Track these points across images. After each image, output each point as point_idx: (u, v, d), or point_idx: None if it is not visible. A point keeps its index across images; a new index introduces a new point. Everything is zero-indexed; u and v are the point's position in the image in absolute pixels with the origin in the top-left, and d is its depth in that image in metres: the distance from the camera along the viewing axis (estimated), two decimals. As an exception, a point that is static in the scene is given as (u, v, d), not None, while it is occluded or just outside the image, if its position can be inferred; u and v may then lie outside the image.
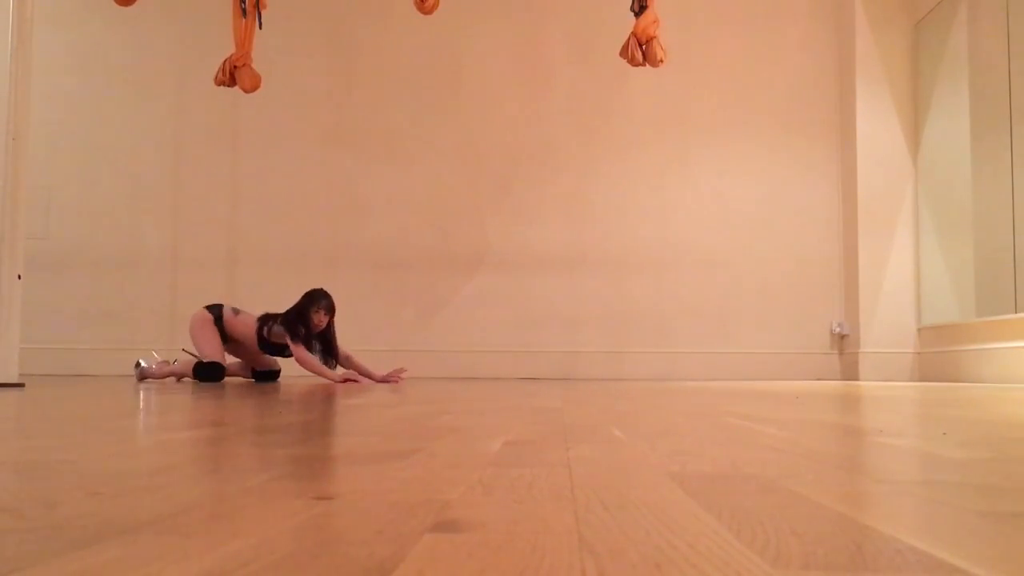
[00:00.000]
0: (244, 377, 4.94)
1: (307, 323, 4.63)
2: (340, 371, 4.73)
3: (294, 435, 1.38)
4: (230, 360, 4.81)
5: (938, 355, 5.71)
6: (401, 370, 4.84)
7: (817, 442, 1.30)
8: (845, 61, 6.29)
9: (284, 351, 4.70)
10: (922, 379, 5.88)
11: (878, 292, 6.03)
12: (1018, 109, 4.95)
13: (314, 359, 4.64)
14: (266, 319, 4.72)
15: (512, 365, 6.22)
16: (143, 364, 4.86)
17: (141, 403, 2.47)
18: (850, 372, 6.10)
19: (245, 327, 4.73)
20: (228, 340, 4.73)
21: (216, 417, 1.83)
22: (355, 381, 4.58)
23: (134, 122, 6.58)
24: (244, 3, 4.99)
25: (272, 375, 4.89)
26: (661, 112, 6.41)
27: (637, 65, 4.84)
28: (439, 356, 6.30)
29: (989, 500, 0.77)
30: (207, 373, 4.56)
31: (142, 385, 4.06)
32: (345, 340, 4.90)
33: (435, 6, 4.97)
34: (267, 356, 4.86)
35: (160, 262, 6.49)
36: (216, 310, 4.75)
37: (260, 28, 5.09)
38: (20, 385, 3.53)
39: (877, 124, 6.12)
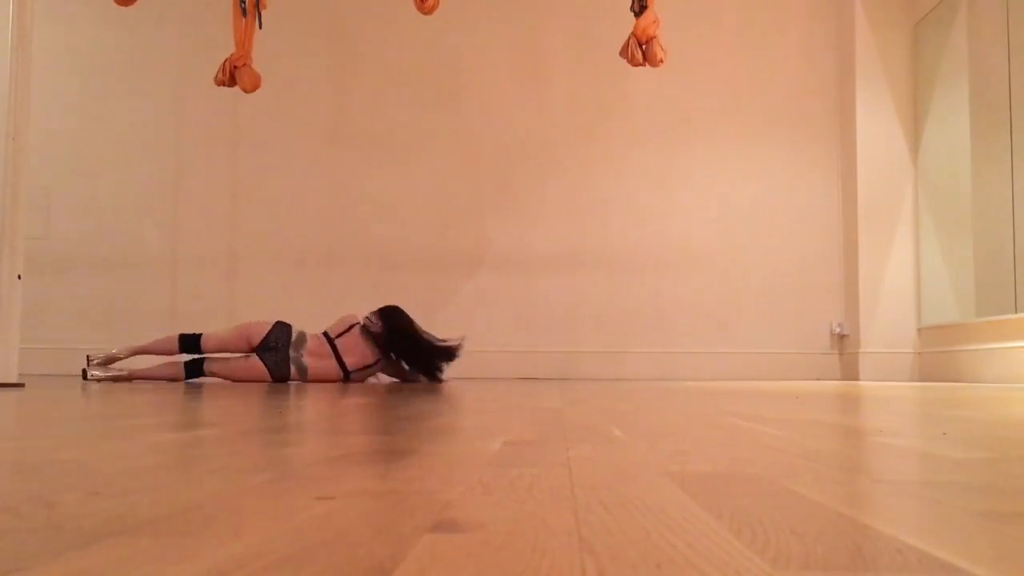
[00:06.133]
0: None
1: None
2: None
3: (294, 435, 1.38)
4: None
5: (938, 355, 5.71)
6: None
7: (817, 442, 1.30)
8: (845, 61, 6.29)
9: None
10: (922, 379, 5.88)
11: (878, 292, 6.03)
12: (1018, 109, 4.95)
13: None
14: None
15: (512, 365, 6.22)
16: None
17: (140, 404, 2.47)
18: (850, 372, 6.10)
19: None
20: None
21: (216, 417, 1.83)
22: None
23: (134, 122, 6.58)
24: (244, 3, 4.99)
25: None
26: (661, 112, 6.41)
27: (637, 65, 4.84)
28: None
29: (989, 500, 0.77)
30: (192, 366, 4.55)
31: (142, 382, 4.06)
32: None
33: (435, 6, 4.97)
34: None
35: (160, 262, 6.49)
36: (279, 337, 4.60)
37: (260, 28, 5.09)
38: (20, 385, 3.53)
39: (877, 124, 6.12)
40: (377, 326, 4.69)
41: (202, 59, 6.12)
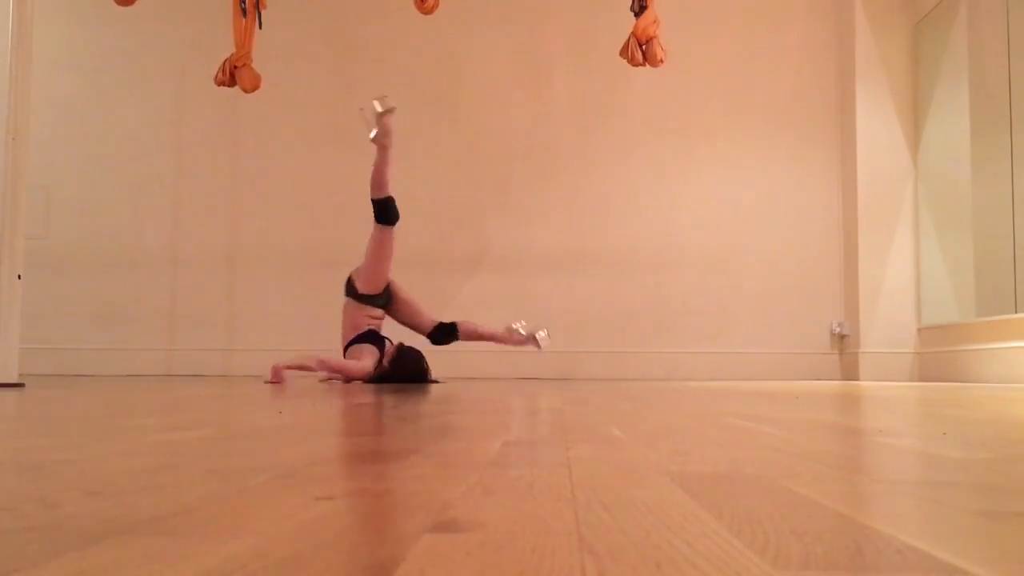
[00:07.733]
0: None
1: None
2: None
3: (294, 435, 1.38)
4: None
5: (938, 355, 5.71)
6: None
7: (817, 442, 1.30)
8: (845, 61, 6.29)
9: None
10: (922, 379, 5.88)
11: (878, 292, 6.03)
12: (1018, 109, 4.95)
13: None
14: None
15: (512, 365, 6.22)
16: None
17: (140, 404, 2.47)
18: (850, 372, 6.10)
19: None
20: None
21: (215, 417, 1.83)
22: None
23: (134, 122, 6.58)
24: (244, 3, 4.99)
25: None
26: (661, 112, 6.41)
27: (637, 65, 4.84)
28: (439, 356, 6.29)
29: (989, 500, 0.77)
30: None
31: None
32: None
33: (435, 6, 4.97)
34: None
35: (160, 262, 6.49)
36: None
37: (260, 28, 5.10)
38: (20, 385, 3.53)
39: (877, 124, 6.12)
40: (391, 356, 4.75)
41: (202, 59, 6.12)
